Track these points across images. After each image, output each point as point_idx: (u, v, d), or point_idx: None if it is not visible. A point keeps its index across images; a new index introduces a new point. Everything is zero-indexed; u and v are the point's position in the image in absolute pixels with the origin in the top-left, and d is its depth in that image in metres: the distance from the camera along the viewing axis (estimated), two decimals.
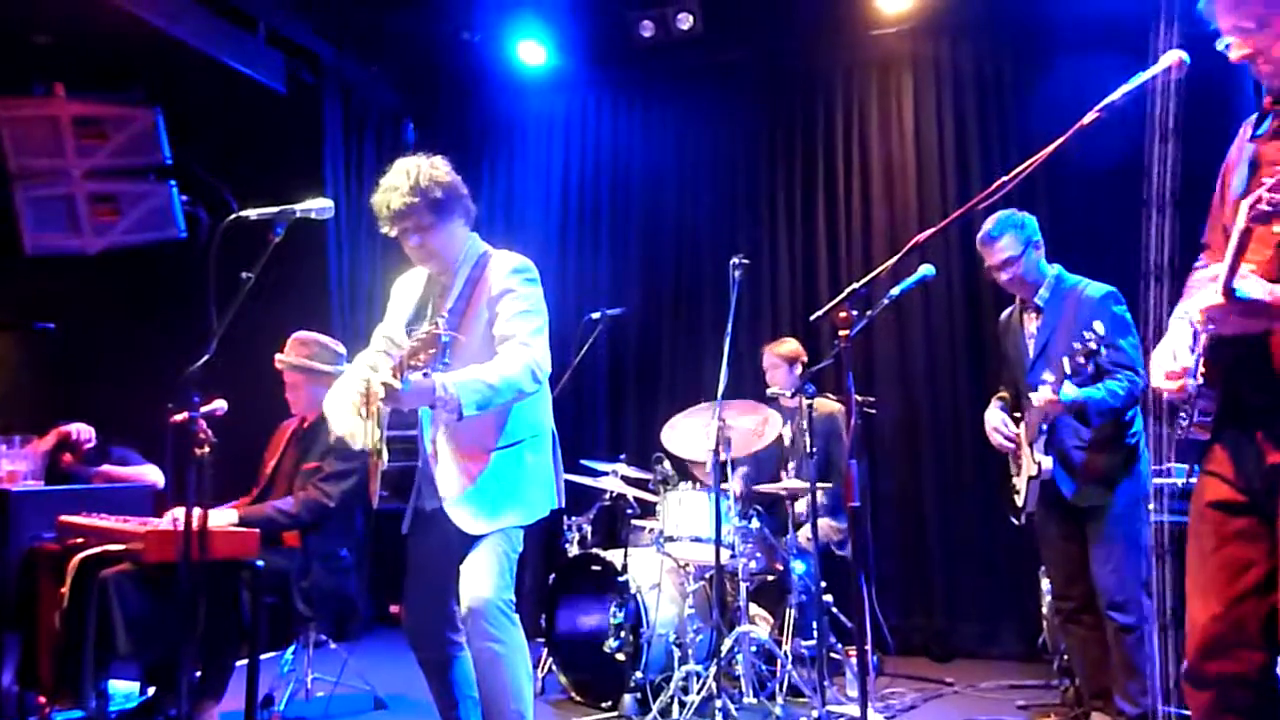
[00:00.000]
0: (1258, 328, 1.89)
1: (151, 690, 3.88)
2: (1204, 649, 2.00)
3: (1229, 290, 1.82)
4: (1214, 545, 2.03)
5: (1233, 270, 1.81)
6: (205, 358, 2.60)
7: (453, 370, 2.70)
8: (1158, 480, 3.69)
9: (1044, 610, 4.33)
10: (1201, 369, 2.00)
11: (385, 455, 2.79)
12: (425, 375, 2.56)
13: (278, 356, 3.98)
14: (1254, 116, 2.16)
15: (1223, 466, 2.04)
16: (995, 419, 3.70)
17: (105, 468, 4.69)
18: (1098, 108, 2.16)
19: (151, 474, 4.76)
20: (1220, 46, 2.06)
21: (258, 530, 3.48)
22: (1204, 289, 1.96)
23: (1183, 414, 2.07)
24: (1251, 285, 1.82)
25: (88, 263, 4.99)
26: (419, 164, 2.88)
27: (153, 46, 5.01)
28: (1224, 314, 1.86)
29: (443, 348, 2.54)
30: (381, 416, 2.81)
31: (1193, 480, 2.14)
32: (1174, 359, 2.03)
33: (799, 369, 4.97)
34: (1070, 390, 3.24)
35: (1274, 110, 2.08)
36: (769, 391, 4.90)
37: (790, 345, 5.10)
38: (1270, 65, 2.00)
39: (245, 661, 3.41)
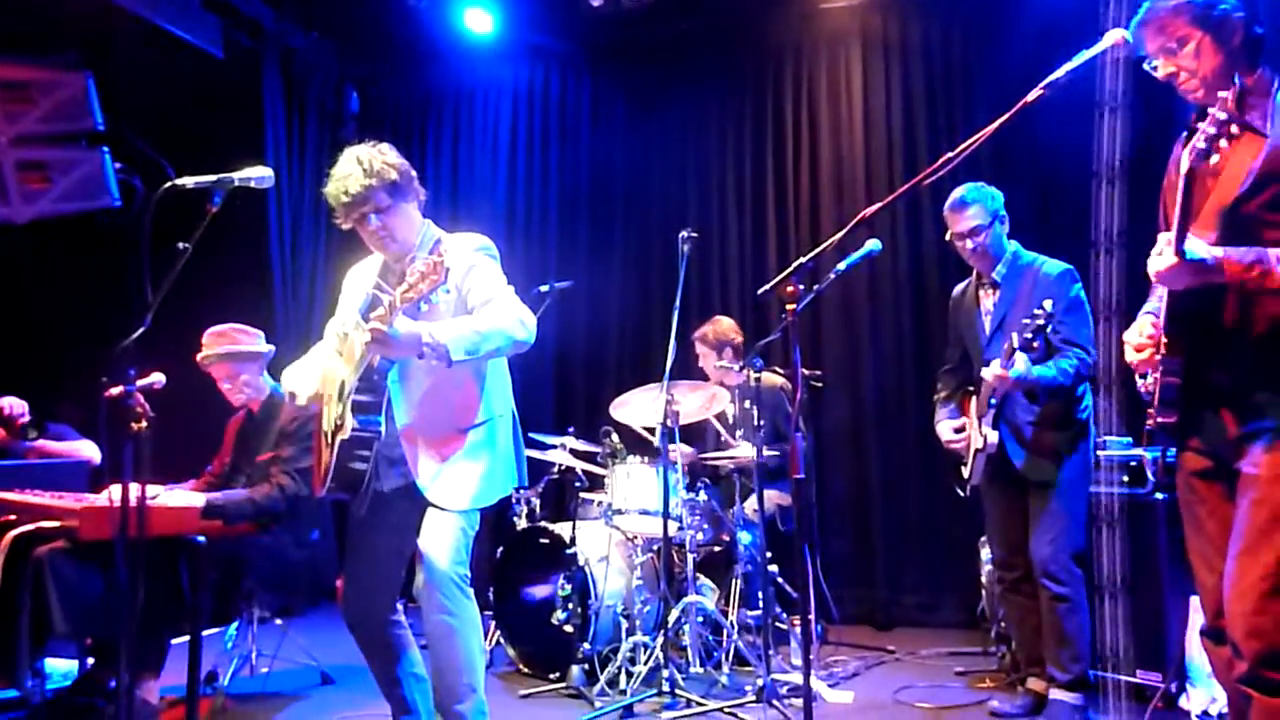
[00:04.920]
0: (1200, 283, 2.06)
1: (90, 661, 3.82)
2: (1218, 609, 2.14)
3: (1179, 251, 2.00)
4: (1207, 512, 2.22)
5: (1182, 233, 2.00)
6: (141, 330, 2.53)
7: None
8: (1099, 453, 3.79)
9: (983, 580, 4.43)
10: (1164, 339, 2.17)
11: (349, 421, 2.75)
12: (422, 305, 2.53)
13: (199, 356, 3.94)
14: (1184, 135, 2.29)
15: (1197, 440, 2.22)
16: (947, 430, 3.77)
17: (40, 443, 4.57)
18: (1041, 85, 2.21)
19: (87, 449, 4.66)
20: (1147, 67, 2.24)
21: (221, 519, 3.48)
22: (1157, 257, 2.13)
23: (1149, 409, 2.25)
24: (1198, 246, 2.03)
25: (17, 232, 4.83)
26: (368, 151, 2.88)
27: (83, 8, 4.84)
28: (1176, 273, 2.04)
29: (445, 273, 2.49)
30: (354, 379, 2.78)
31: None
32: (1140, 334, 2.25)
33: (729, 352, 4.93)
34: (1021, 365, 3.30)
35: (1199, 128, 2.20)
36: (717, 364, 4.90)
37: (719, 327, 4.99)
38: (1194, 82, 2.18)
39: (187, 638, 3.36)
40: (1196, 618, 3.58)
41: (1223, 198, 2.10)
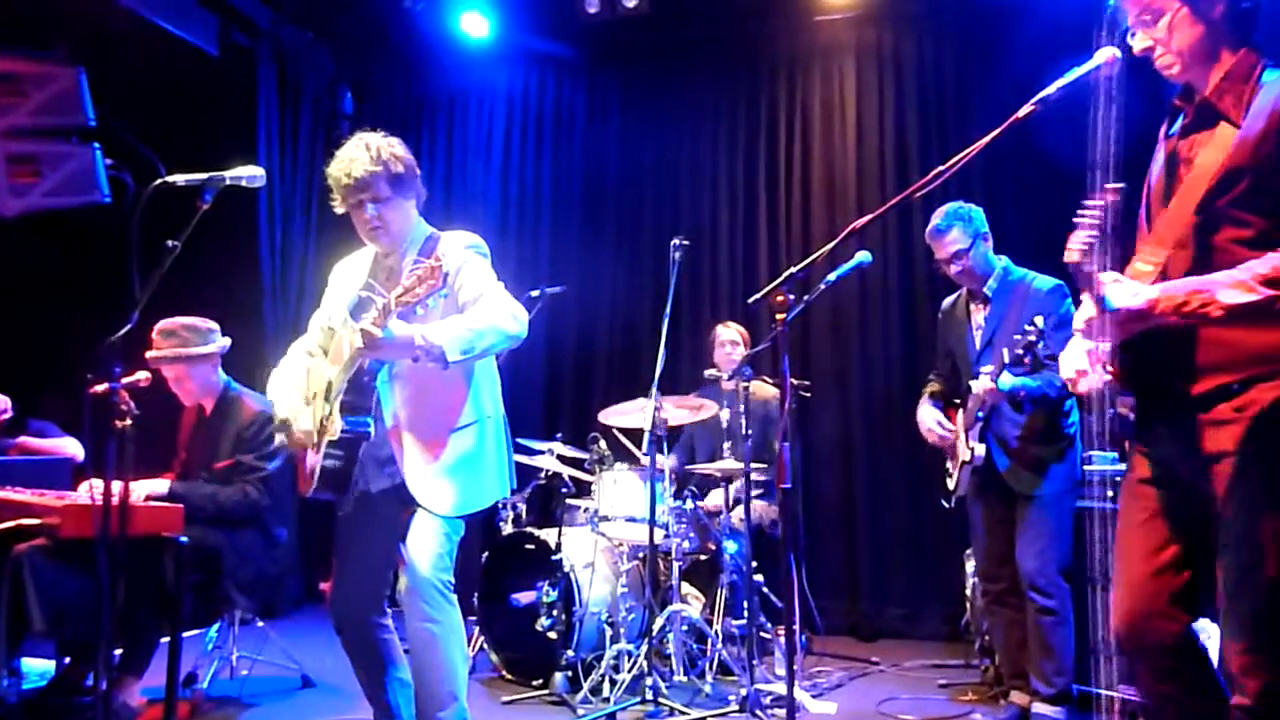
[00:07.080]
0: (1136, 330, 1.95)
1: (68, 660, 3.78)
2: (1126, 622, 2.09)
3: (1098, 300, 1.89)
4: (1141, 520, 2.10)
5: (1099, 283, 1.89)
6: (127, 327, 2.51)
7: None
8: (1085, 468, 3.79)
9: (967, 593, 4.44)
10: (1111, 370, 2.04)
11: (337, 422, 2.72)
12: (418, 309, 2.50)
13: (148, 354, 3.80)
14: (1168, 118, 2.22)
15: (1154, 447, 2.10)
16: (929, 418, 3.76)
17: (22, 440, 4.54)
18: (1033, 101, 2.19)
19: (71, 446, 4.62)
20: (1130, 41, 2.12)
21: (182, 506, 3.43)
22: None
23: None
24: (1117, 293, 1.90)
25: (4, 226, 4.80)
26: (378, 139, 2.88)
27: (79, 2, 4.81)
28: (1100, 325, 1.93)
29: (443, 278, 2.46)
30: (342, 379, 2.75)
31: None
32: (1074, 364, 2.11)
33: (742, 352, 4.99)
34: (1007, 380, 3.31)
35: (1182, 108, 2.15)
36: (707, 373, 4.91)
37: (740, 328, 5.14)
38: (1170, 57, 2.06)
39: (167, 639, 3.33)
40: None
41: (1191, 193, 1.98)
